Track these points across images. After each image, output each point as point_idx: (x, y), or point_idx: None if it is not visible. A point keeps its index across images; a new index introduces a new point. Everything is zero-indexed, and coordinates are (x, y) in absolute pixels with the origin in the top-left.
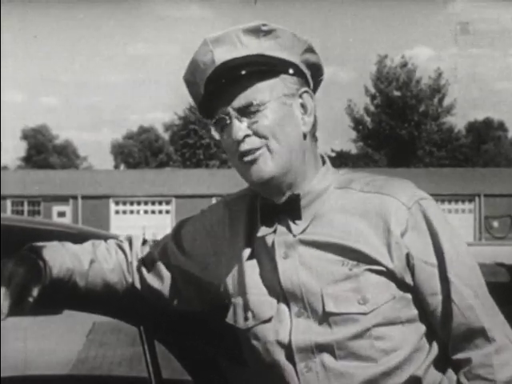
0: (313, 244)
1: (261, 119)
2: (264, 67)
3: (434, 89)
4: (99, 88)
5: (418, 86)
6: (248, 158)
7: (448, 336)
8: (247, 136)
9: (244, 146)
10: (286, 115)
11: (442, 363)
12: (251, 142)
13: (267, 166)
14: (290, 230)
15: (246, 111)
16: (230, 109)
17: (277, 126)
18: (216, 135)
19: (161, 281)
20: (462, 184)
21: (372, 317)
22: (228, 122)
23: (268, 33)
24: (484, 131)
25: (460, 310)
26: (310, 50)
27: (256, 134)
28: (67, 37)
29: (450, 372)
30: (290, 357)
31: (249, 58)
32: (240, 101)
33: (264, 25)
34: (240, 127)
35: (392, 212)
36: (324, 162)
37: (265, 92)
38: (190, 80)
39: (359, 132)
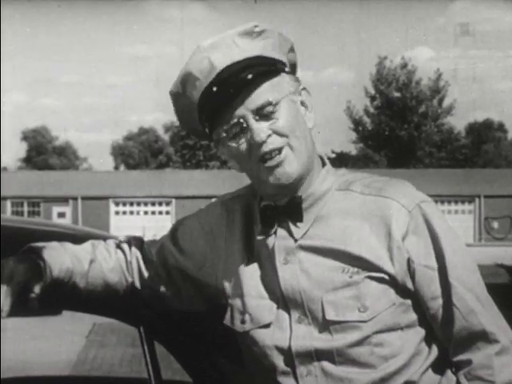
0: (313, 250)
1: (279, 118)
2: (265, 68)
3: (433, 90)
4: (99, 89)
5: (417, 87)
6: (271, 163)
7: (449, 339)
8: (268, 136)
9: (267, 147)
10: (297, 112)
11: (441, 366)
12: (273, 142)
13: (293, 166)
14: (290, 233)
15: (263, 111)
16: (245, 111)
17: (294, 123)
18: (223, 152)
19: (160, 280)
20: (461, 185)
21: (372, 324)
22: (244, 125)
23: (260, 33)
24: (484, 132)
25: (461, 314)
26: (292, 49)
27: (276, 133)
28: (67, 38)
29: (449, 373)
30: (289, 361)
31: (248, 60)
32: (254, 102)
33: (256, 26)
34: (261, 128)
35: (393, 215)
36: (324, 163)
37: (274, 91)
38: (179, 93)
39: (359, 133)
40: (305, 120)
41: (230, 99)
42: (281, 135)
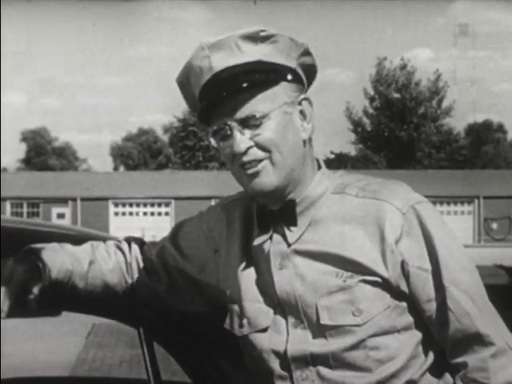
0: (308, 254)
1: (263, 131)
2: (264, 76)
3: (432, 91)
4: (99, 90)
5: (417, 88)
6: (250, 171)
7: (445, 342)
8: (249, 148)
9: (246, 158)
10: (287, 124)
11: (439, 369)
12: (253, 154)
13: (269, 178)
14: (285, 238)
15: (248, 123)
16: (230, 120)
17: (279, 138)
18: (214, 142)
19: (160, 282)
20: (461, 186)
21: (367, 328)
22: (229, 132)
23: (266, 38)
24: (483, 133)
25: (456, 317)
26: (306, 52)
27: (258, 145)
28: (67, 39)
29: (447, 376)
30: (285, 365)
31: (247, 65)
32: (242, 112)
33: (262, 30)
34: (242, 139)
35: (387, 218)
36: (319, 166)
37: (266, 102)
38: (184, 82)
39: (358, 134)
40: (298, 131)
41: (222, 102)
42: (263, 149)
